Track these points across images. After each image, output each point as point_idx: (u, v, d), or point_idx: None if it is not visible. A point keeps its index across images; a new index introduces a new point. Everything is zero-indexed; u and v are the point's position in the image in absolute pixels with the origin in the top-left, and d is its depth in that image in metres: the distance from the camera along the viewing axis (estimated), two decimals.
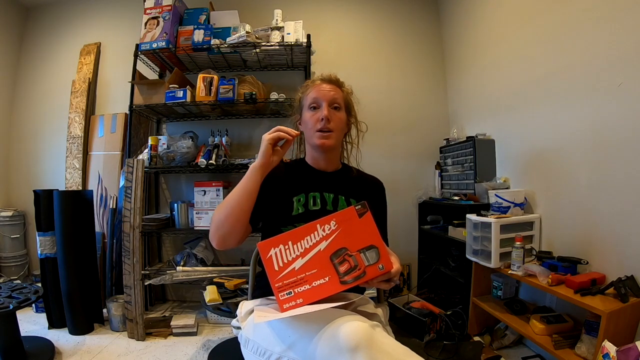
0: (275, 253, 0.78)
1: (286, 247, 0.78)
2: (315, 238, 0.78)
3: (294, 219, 0.98)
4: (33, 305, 2.24)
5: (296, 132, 0.97)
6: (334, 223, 0.79)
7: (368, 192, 1.11)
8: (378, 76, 2.66)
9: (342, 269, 0.77)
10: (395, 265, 0.81)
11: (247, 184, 0.94)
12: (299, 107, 1.10)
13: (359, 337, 0.68)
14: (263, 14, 2.53)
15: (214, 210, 1.02)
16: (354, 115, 1.13)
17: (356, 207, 0.80)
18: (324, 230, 0.79)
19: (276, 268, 0.77)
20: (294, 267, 0.77)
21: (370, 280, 0.78)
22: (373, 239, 0.79)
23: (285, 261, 0.78)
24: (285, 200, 1.01)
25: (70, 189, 2.55)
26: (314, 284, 0.77)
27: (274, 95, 2.25)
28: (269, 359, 0.79)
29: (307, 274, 0.77)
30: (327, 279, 0.77)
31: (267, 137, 0.95)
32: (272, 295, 0.95)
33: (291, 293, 0.77)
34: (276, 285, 0.77)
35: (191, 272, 2.17)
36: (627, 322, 1.17)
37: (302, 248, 0.78)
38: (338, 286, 0.77)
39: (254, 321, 0.84)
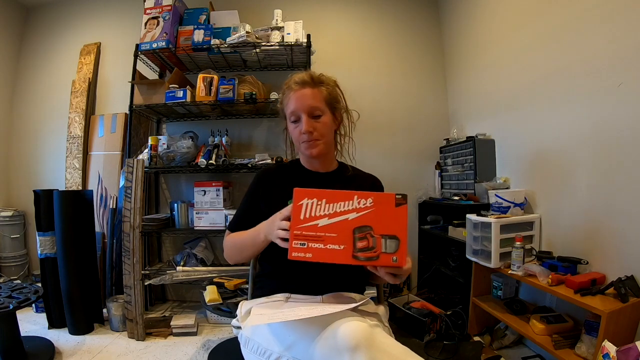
0: (307, 204, 0.79)
1: (319, 202, 0.79)
2: (348, 206, 0.79)
3: None
4: (33, 305, 2.24)
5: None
6: (371, 201, 0.79)
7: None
8: (378, 76, 2.66)
9: (360, 244, 0.78)
10: (408, 265, 0.80)
11: (255, 245, 0.93)
12: (283, 115, 1.06)
13: (358, 337, 0.68)
14: (263, 14, 2.53)
15: (223, 243, 1.06)
16: (342, 107, 1.07)
17: (397, 196, 0.80)
18: (359, 203, 0.79)
19: (302, 217, 0.78)
20: (318, 224, 0.78)
21: (379, 266, 0.78)
22: (399, 231, 0.79)
23: (313, 215, 0.79)
24: (281, 204, 0.98)
25: (70, 189, 2.55)
26: (328, 247, 0.78)
27: (274, 95, 2.25)
28: (268, 359, 0.79)
29: (326, 234, 0.78)
30: (342, 247, 0.78)
31: (279, 234, 0.82)
32: (272, 294, 0.95)
33: (305, 245, 0.77)
34: (295, 232, 0.78)
35: (191, 272, 2.17)
36: (627, 322, 1.17)
37: (332, 210, 0.79)
38: (349, 259, 0.77)
39: (250, 323, 0.83)
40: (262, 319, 0.81)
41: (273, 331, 0.81)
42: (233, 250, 1.01)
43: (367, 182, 1.12)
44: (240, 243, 0.99)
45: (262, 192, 1.04)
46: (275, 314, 0.81)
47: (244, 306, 0.99)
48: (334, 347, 0.69)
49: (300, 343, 0.75)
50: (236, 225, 1.05)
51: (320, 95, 0.99)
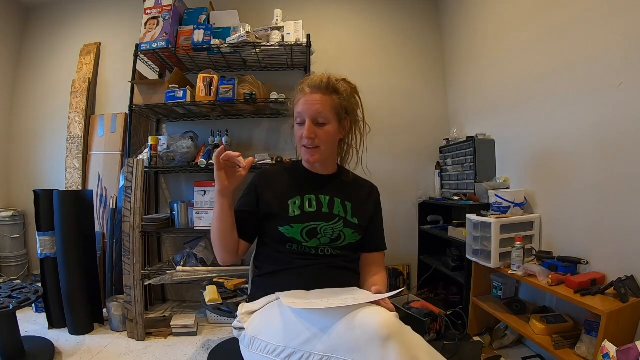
0: None
1: None
2: None
3: (291, 220, 0.99)
4: (33, 305, 2.23)
5: (246, 162, 0.91)
6: None
7: (364, 196, 1.12)
8: (378, 76, 2.66)
9: None
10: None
11: (216, 211, 0.96)
12: (292, 113, 1.06)
13: (390, 328, 0.70)
14: (263, 14, 2.52)
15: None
16: (353, 119, 1.06)
17: None
18: None
19: None
20: None
21: None
22: None
23: None
24: (281, 203, 1.01)
25: (70, 189, 2.55)
26: None
27: (274, 95, 2.25)
28: (279, 355, 0.78)
29: None
30: None
31: (215, 165, 0.91)
32: (271, 293, 0.95)
33: None
34: None
35: (191, 272, 2.17)
36: (627, 322, 1.17)
37: None
38: None
39: (286, 303, 0.82)
40: (299, 304, 0.80)
41: (287, 326, 0.80)
42: (213, 238, 0.99)
43: (366, 189, 1.14)
44: (212, 225, 0.98)
45: (260, 192, 1.04)
46: (308, 303, 0.81)
47: (244, 307, 0.99)
48: (362, 337, 0.70)
49: (320, 336, 0.75)
50: None
51: (329, 104, 0.98)
